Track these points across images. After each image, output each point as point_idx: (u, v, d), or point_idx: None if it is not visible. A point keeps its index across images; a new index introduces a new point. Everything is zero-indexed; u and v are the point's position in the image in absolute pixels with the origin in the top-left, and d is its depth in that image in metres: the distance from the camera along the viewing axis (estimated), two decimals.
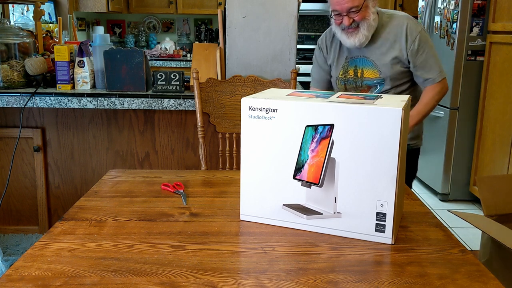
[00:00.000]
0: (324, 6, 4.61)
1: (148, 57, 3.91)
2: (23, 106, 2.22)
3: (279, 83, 2.18)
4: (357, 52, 1.92)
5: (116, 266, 0.95)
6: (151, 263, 0.97)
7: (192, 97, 2.23)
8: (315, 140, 1.07)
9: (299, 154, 1.10)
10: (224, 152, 2.06)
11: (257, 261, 0.98)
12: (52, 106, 2.23)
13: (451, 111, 3.32)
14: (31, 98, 2.22)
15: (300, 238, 1.09)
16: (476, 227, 1.35)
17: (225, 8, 2.31)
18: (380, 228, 1.06)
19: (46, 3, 3.47)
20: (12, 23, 3.15)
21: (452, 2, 3.28)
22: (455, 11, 3.23)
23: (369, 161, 1.04)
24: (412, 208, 1.29)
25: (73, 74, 2.32)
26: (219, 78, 2.32)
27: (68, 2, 3.88)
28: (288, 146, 1.10)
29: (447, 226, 1.43)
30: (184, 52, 4.78)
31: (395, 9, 4.68)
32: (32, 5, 3.00)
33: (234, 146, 2.05)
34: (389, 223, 1.05)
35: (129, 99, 2.23)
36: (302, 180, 1.11)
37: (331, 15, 1.87)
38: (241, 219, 1.19)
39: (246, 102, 1.13)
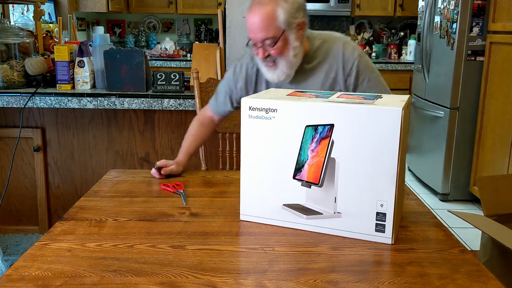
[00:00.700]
0: (324, 6, 4.62)
1: (148, 57, 3.91)
2: (23, 106, 2.22)
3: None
4: (287, 84, 1.60)
5: (116, 266, 0.95)
6: (151, 263, 0.97)
7: (192, 97, 2.23)
8: (315, 140, 1.07)
9: (299, 154, 1.10)
10: (224, 152, 2.06)
11: (257, 261, 0.98)
12: (52, 106, 2.23)
13: (451, 111, 3.32)
14: (31, 98, 2.22)
15: (300, 238, 1.09)
16: (476, 227, 1.35)
17: (225, 8, 2.31)
18: (380, 228, 1.06)
19: (46, 3, 3.47)
20: (12, 23, 3.15)
21: (452, 2, 3.28)
22: (455, 11, 3.23)
23: (369, 161, 1.04)
24: (412, 208, 1.29)
25: (73, 74, 2.32)
26: (219, 78, 2.32)
27: (68, 2, 3.88)
28: (288, 146, 1.10)
29: (447, 226, 1.43)
30: (184, 52, 4.78)
31: (395, 9, 4.68)
32: (32, 5, 3.00)
33: (234, 146, 2.05)
34: (389, 223, 1.05)
35: (129, 99, 2.23)
36: (302, 180, 1.11)
37: (248, 43, 1.55)
38: (241, 219, 1.19)
39: (246, 102, 1.13)
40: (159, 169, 1.54)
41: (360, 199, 1.06)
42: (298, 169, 1.10)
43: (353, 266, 0.97)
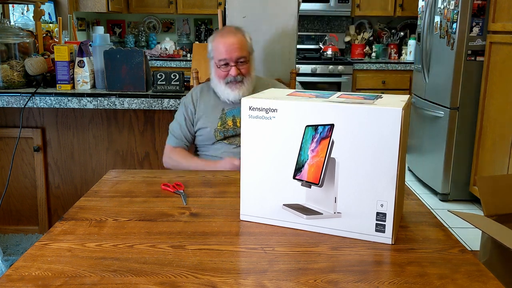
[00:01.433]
0: (324, 6, 4.62)
1: (148, 57, 3.91)
2: (23, 106, 2.22)
3: (279, 84, 2.18)
4: (233, 104, 1.88)
5: (116, 266, 0.95)
6: (151, 263, 0.97)
7: None
8: (315, 140, 1.07)
9: (299, 154, 1.10)
10: None
11: (257, 261, 0.98)
12: (52, 106, 2.23)
13: (451, 111, 3.32)
14: (31, 98, 2.22)
15: (300, 238, 1.09)
16: (476, 227, 1.35)
17: (225, 8, 2.31)
18: (380, 228, 1.06)
19: (46, 3, 3.47)
20: (12, 23, 3.15)
21: (452, 2, 3.28)
22: (455, 11, 3.23)
23: (369, 161, 1.03)
24: (412, 208, 1.29)
25: (73, 74, 2.32)
26: None
27: (68, 2, 3.88)
28: (288, 146, 1.10)
29: (447, 226, 1.43)
30: (184, 52, 4.78)
31: (395, 9, 4.69)
32: (32, 5, 3.00)
33: None
34: (389, 223, 1.05)
35: (129, 99, 2.23)
36: (302, 180, 1.11)
37: (219, 66, 1.82)
38: (241, 219, 1.19)
39: (246, 102, 1.13)
40: None
41: (360, 199, 1.06)
42: (298, 169, 1.10)
43: (353, 266, 0.97)
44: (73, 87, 2.34)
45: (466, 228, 2.89)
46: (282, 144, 1.11)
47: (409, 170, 4.04)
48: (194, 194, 1.39)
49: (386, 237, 1.06)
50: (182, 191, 1.39)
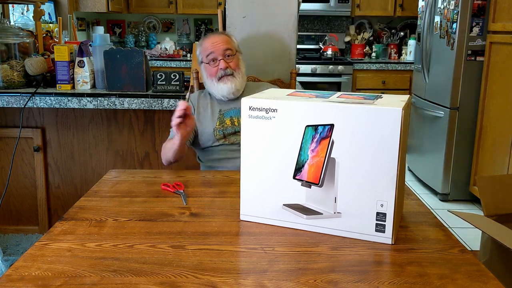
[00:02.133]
0: (324, 6, 4.62)
1: (148, 57, 3.91)
2: (23, 106, 2.22)
3: (279, 84, 2.18)
4: (231, 105, 1.89)
5: (116, 266, 0.95)
6: (151, 263, 0.97)
7: None
8: (315, 140, 1.07)
9: (299, 154, 1.10)
10: None
11: (257, 261, 0.98)
12: (52, 106, 2.23)
13: (451, 111, 3.32)
14: (31, 98, 2.22)
15: (300, 238, 1.09)
16: (476, 227, 1.35)
17: (225, 8, 2.31)
18: (380, 228, 1.06)
19: (46, 3, 3.47)
20: (12, 23, 3.15)
21: (452, 2, 3.28)
22: (455, 11, 3.23)
23: (369, 161, 1.04)
24: (412, 208, 1.29)
25: (73, 74, 2.32)
26: None
27: (68, 2, 3.87)
28: (288, 146, 1.10)
29: (447, 226, 1.43)
30: (184, 52, 4.78)
31: (395, 9, 4.68)
32: (32, 5, 3.00)
33: None
34: (389, 223, 1.05)
35: (129, 99, 2.23)
36: (302, 180, 1.11)
37: (207, 62, 1.85)
38: (241, 219, 1.19)
39: (246, 102, 1.13)
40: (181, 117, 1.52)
41: (360, 199, 1.06)
42: (298, 169, 1.10)
43: (353, 266, 0.97)
44: (73, 87, 2.34)
45: (466, 228, 2.89)
46: (282, 144, 1.11)
47: (409, 170, 4.04)
48: (194, 194, 1.39)
49: (386, 237, 1.06)
50: (182, 191, 1.39)
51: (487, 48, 3.17)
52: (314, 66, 4.38)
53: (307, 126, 1.07)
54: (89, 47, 2.35)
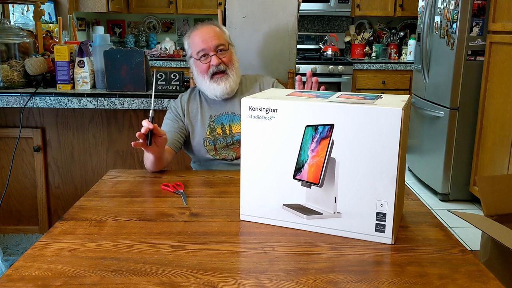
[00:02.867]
0: (324, 6, 4.61)
1: (148, 57, 3.91)
2: (23, 106, 2.22)
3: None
4: (221, 109, 1.79)
5: (116, 266, 0.95)
6: (151, 263, 0.97)
7: None
8: (315, 140, 1.07)
9: (299, 154, 1.10)
10: None
11: (257, 261, 0.98)
12: (52, 106, 2.23)
13: (451, 111, 3.32)
14: (31, 98, 2.22)
15: (300, 238, 1.09)
16: (476, 227, 1.35)
17: (225, 8, 2.31)
18: (380, 228, 1.06)
19: (46, 3, 3.47)
20: (12, 23, 3.15)
21: (452, 2, 3.28)
22: (455, 11, 3.23)
23: (369, 161, 1.04)
24: (412, 208, 1.29)
25: (73, 74, 2.32)
26: None
27: (68, 2, 3.87)
28: (288, 146, 1.10)
29: (447, 226, 1.43)
30: (184, 52, 4.78)
31: (395, 9, 4.69)
32: (32, 5, 3.00)
33: None
34: (389, 223, 1.05)
35: (129, 99, 2.23)
36: (302, 180, 1.11)
37: (198, 58, 1.72)
38: (241, 219, 1.19)
39: (246, 102, 1.13)
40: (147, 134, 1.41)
41: (360, 199, 1.06)
42: (298, 169, 1.10)
43: (353, 266, 0.97)
44: (73, 87, 2.34)
45: (466, 228, 2.90)
46: (282, 144, 1.11)
47: (409, 170, 4.04)
48: (194, 194, 1.39)
49: (386, 237, 1.06)
50: (182, 191, 1.39)
51: (487, 48, 3.17)
52: (314, 66, 4.38)
53: (307, 126, 1.07)
54: (89, 47, 2.36)
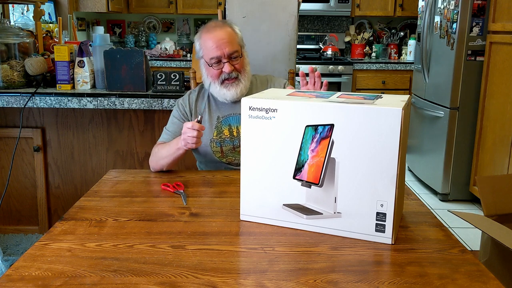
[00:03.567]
0: (324, 6, 4.61)
1: (148, 57, 3.91)
2: (23, 106, 2.22)
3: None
4: (229, 110, 1.76)
5: (116, 266, 0.95)
6: (151, 263, 0.97)
7: None
8: (315, 140, 1.07)
9: (299, 154, 1.10)
10: None
11: (257, 261, 0.98)
12: (52, 106, 2.23)
13: (451, 111, 3.32)
14: (31, 98, 2.22)
15: (300, 238, 1.09)
16: (476, 227, 1.35)
17: (225, 8, 2.31)
18: (380, 228, 1.06)
19: (46, 3, 3.47)
20: (12, 23, 3.15)
21: (452, 2, 3.28)
22: (455, 11, 3.23)
23: (369, 161, 1.04)
24: (412, 208, 1.29)
25: (73, 74, 2.32)
26: None
27: (68, 2, 3.87)
28: (288, 146, 1.10)
29: (447, 226, 1.43)
30: (184, 52, 4.78)
31: (395, 9, 4.68)
32: (32, 5, 3.00)
33: None
34: (389, 223, 1.05)
35: (129, 99, 2.23)
36: (302, 180, 1.11)
37: (210, 65, 1.68)
38: (241, 219, 1.19)
39: (246, 102, 1.13)
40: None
41: (360, 199, 1.06)
42: (298, 169, 1.10)
43: (353, 266, 0.97)
44: (73, 87, 2.34)
45: (466, 228, 2.89)
46: (282, 144, 1.11)
47: (409, 170, 4.04)
48: (194, 194, 1.39)
49: (386, 237, 1.06)
50: (182, 191, 1.39)
51: (487, 48, 3.17)
52: (314, 66, 4.37)
53: (307, 126, 1.07)
54: (89, 47, 2.36)
